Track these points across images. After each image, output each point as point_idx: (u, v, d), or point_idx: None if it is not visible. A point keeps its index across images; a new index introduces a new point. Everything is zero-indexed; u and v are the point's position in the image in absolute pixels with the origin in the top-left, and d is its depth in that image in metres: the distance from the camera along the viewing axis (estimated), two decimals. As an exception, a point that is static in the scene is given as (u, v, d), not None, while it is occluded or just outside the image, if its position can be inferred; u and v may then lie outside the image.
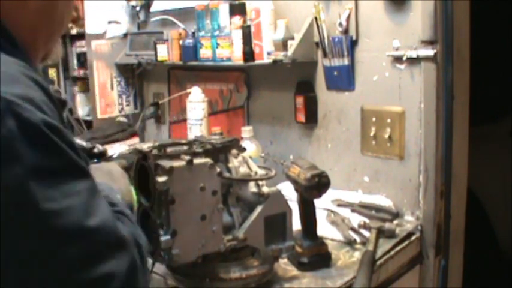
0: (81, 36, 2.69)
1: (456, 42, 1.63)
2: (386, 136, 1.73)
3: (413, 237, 1.62)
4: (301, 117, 1.95)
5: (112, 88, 2.66)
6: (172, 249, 1.15)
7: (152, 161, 1.17)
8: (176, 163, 1.15)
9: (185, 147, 1.24)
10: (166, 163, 1.15)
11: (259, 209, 1.25)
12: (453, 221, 1.71)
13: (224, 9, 2.04)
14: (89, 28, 2.57)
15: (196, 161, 1.18)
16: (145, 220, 1.23)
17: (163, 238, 1.15)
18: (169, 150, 1.21)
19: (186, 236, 1.16)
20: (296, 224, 1.44)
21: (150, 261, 1.34)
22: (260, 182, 1.29)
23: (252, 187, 1.28)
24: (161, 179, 1.13)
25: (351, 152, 1.85)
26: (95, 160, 1.31)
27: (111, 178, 1.09)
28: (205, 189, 1.18)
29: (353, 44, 1.77)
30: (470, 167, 1.81)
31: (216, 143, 1.27)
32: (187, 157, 1.17)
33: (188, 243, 1.17)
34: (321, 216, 1.54)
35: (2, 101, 0.61)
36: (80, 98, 2.87)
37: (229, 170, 1.28)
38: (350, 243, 1.52)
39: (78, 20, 1.14)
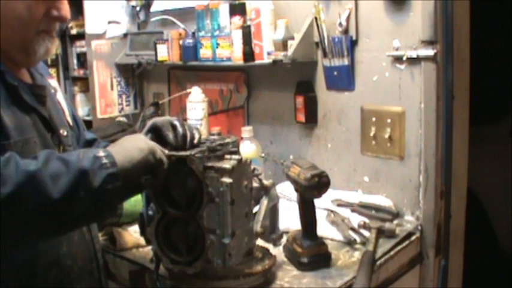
0: (81, 36, 2.69)
1: (456, 42, 1.63)
2: (387, 136, 1.73)
3: (413, 237, 1.62)
4: (301, 117, 1.95)
5: (112, 88, 2.65)
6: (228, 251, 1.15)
7: (198, 164, 1.15)
8: (228, 163, 1.15)
9: (218, 147, 1.22)
10: (221, 164, 1.15)
11: (265, 201, 1.27)
12: (453, 221, 1.71)
13: (224, 9, 2.04)
14: (89, 28, 2.58)
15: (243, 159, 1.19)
16: (168, 229, 1.22)
17: (226, 241, 1.14)
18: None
19: (238, 235, 1.17)
20: (296, 224, 1.44)
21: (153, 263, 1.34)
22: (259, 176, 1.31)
23: (254, 182, 1.29)
24: (227, 179, 1.12)
25: (351, 152, 1.85)
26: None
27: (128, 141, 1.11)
28: (247, 186, 1.20)
29: (353, 44, 1.77)
30: (470, 167, 1.81)
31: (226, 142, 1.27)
32: (236, 156, 1.17)
33: (239, 242, 1.18)
34: (321, 216, 1.54)
35: None
36: (80, 98, 2.86)
37: None
38: (350, 243, 1.52)
39: (62, 20, 1.16)
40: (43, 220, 0.95)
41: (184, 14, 2.31)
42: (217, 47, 2.07)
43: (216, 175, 1.14)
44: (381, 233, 1.54)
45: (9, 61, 1.14)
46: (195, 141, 1.21)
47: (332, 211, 1.66)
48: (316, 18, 1.81)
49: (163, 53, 2.28)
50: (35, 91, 1.19)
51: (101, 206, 1.00)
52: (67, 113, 1.32)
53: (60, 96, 1.32)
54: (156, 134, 1.21)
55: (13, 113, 1.09)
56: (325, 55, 1.83)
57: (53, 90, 1.30)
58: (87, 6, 2.54)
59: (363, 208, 1.69)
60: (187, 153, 1.16)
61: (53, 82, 1.34)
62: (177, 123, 1.23)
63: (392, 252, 1.50)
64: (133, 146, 1.07)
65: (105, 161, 1.00)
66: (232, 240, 1.15)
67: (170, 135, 1.19)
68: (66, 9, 1.15)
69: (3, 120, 1.05)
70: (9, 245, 0.98)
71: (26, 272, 1.09)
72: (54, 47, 1.20)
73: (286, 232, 1.48)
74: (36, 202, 0.92)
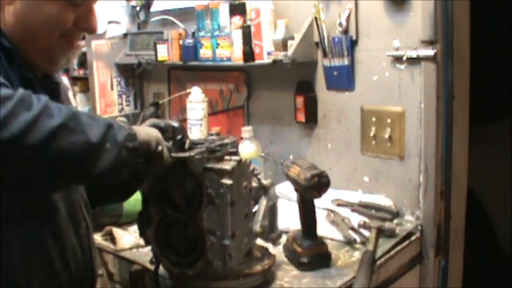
0: (81, 36, 2.69)
1: (456, 42, 1.63)
2: (387, 136, 1.73)
3: (413, 237, 1.62)
4: (301, 117, 1.95)
5: (112, 88, 2.65)
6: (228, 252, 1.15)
7: (197, 166, 1.15)
8: (228, 165, 1.15)
9: (217, 148, 1.21)
10: (221, 165, 1.14)
11: (264, 201, 1.28)
12: (453, 221, 1.71)
13: (224, 9, 2.04)
14: (89, 28, 2.58)
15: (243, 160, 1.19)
16: (168, 231, 1.22)
17: (226, 242, 1.14)
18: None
19: (238, 236, 1.17)
20: (296, 224, 1.44)
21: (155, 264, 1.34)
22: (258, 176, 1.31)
23: (253, 182, 1.29)
24: (227, 181, 1.12)
25: (351, 152, 1.85)
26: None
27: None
28: (247, 187, 1.20)
29: (353, 44, 1.77)
30: (470, 167, 1.81)
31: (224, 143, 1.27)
32: (236, 157, 1.17)
33: (239, 243, 1.18)
34: (321, 216, 1.54)
35: None
36: (80, 98, 2.86)
37: None
38: (350, 243, 1.52)
39: (89, 32, 1.19)
40: (77, 161, 0.96)
41: (184, 14, 2.31)
42: (217, 47, 2.07)
43: (216, 176, 1.14)
44: (380, 232, 1.54)
45: (31, 66, 1.15)
46: (186, 146, 1.21)
47: (332, 211, 1.66)
48: (316, 18, 1.81)
49: (163, 53, 2.28)
50: (49, 87, 1.20)
51: (121, 163, 1.01)
52: None
53: (70, 95, 1.34)
54: None
55: None
56: (325, 55, 1.83)
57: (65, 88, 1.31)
58: (87, 6, 2.54)
59: (362, 208, 1.69)
60: (187, 154, 1.16)
61: (65, 80, 1.36)
62: (177, 128, 1.23)
63: (392, 252, 1.50)
64: (144, 129, 1.11)
65: (122, 124, 1.04)
66: (233, 241, 1.14)
67: (170, 142, 1.20)
68: (95, 22, 1.17)
69: None
70: (41, 181, 0.98)
71: (19, 269, 1.09)
72: (76, 56, 1.24)
73: (286, 232, 1.48)
74: (77, 140, 0.94)
